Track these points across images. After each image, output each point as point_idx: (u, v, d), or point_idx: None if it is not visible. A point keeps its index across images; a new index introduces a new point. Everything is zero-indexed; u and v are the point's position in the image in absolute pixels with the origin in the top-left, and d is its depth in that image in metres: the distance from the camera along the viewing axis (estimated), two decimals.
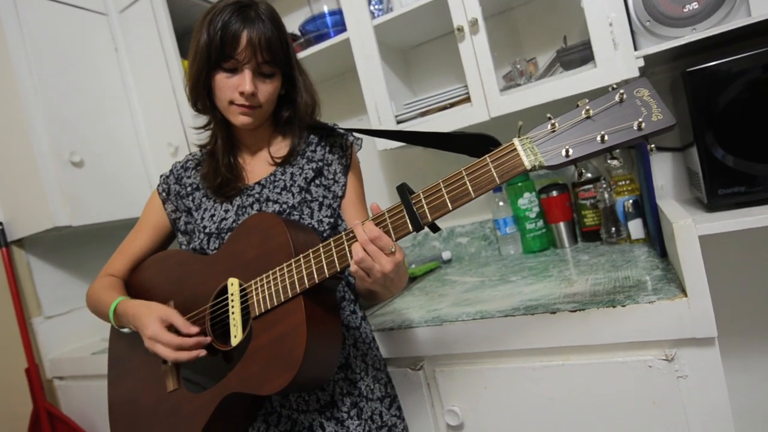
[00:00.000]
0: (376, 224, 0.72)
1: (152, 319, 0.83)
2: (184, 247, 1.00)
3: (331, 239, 0.76)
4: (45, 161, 1.51)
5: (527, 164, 0.62)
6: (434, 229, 0.72)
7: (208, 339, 0.84)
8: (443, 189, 0.67)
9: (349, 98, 1.79)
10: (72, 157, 1.56)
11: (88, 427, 1.62)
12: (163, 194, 1.02)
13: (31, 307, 1.69)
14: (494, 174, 0.64)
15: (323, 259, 0.76)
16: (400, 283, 0.82)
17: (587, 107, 0.60)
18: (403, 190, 0.70)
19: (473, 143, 0.73)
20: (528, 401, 0.92)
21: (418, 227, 0.69)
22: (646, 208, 1.18)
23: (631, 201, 1.26)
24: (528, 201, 1.43)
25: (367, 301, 0.97)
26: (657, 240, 1.06)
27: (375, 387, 0.94)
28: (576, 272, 1.11)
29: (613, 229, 1.29)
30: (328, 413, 0.87)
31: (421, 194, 0.69)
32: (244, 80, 0.86)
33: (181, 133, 1.72)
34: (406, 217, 0.70)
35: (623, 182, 1.30)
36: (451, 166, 1.64)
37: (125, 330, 0.94)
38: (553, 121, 0.62)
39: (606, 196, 1.29)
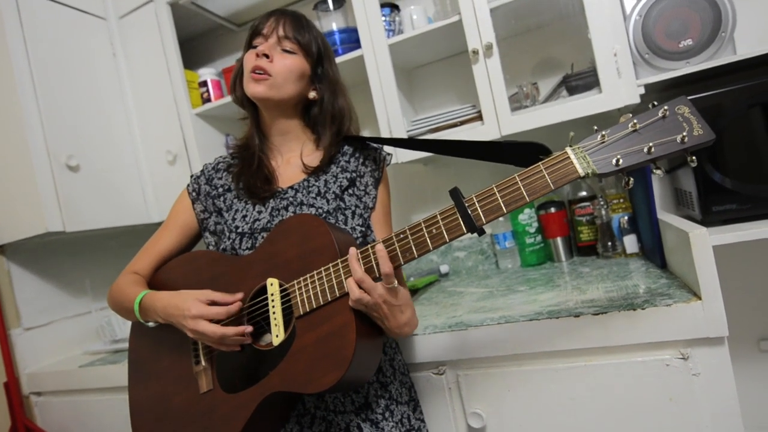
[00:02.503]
0: (427, 226, 0.76)
1: (191, 301, 0.83)
2: (212, 247, 1.00)
3: (381, 239, 0.79)
4: (41, 163, 1.46)
5: (581, 171, 0.67)
6: (481, 232, 0.76)
7: (250, 328, 0.83)
8: (497, 193, 0.72)
9: None
10: (69, 160, 1.51)
11: None
12: (194, 194, 1.02)
13: (9, 318, 1.60)
14: (548, 180, 0.69)
15: (372, 261, 0.78)
16: (397, 319, 0.81)
17: (634, 121, 0.67)
18: (457, 194, 0.74)
19: (522, 152, 0.79)
20: (551, 402, 0.96)
21: (472, 229, 0.73)
22: (643, 223, 1.28)
23: (626, 218, 1.35)
24: (528, 217, 1.51)
25: None
26: (656, 252, 1.15)
27: (402, 391, 0.96)
28: (583, 282, 1.18)
29: (609, 243, 1.38)
30: (363, 415, 0.88)
31: (474, 198, 0.73)
32: (264, 45, 0.93)
33: (180, 140, 1.71)
34: (460, 219, 0.74)
35: (617, 201, 1.40)
36: (450, 181, 1.70)
37: (150, 324, 0.92)
38: (602, 133, 0.68)
39: (603, 212, 1.38)
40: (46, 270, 1.72)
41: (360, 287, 0.75)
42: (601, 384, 0.92)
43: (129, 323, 1.71)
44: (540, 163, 0.70)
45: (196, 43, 1.99)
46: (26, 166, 1.45)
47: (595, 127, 0.70)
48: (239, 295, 0.85)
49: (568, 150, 0.69)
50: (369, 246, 0.79)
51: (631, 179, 0.68)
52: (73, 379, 1.51)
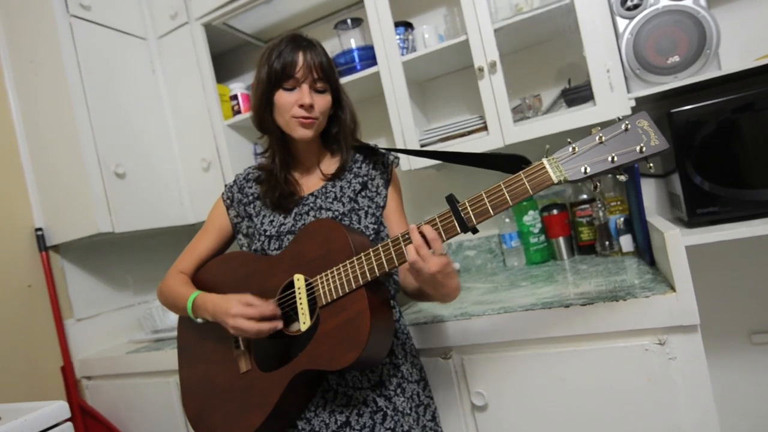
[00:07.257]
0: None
1: (233, 302, 0.97)
2: (245, 248, 1.14)
3: (389, 240, 0.92)
4: (93, 171, 1.64)
5: (554, 179, 0.79)
6: (474, 231, 0.88)
7: (280, 317, 0.98)
8: (485, 198, 0.84)
9: (365, 123, 1.96)
10: (117, 168, 1.69)
11: (117, 423, 1.71)
12: (228, 201, 1.17)
13: (63, 310, 1.79)
14: (527, 186, 0.81)
15: (382, 257, 0.92)
16: (449, 286, 0.92)
17: (600, 134, 0.78)
18: (452, 199, 0.87)
19: (508, 162, 0.91)
20: (544, 382, 1.08)
21: (465, 229, 0.85)
22: (636, 224, 1.39)
23: (622, 219, 1.46)
24: (532, 218, 1.63)
25: (417, 300, 1.11)
26: (646, 251, 1.26)
27: (413, 371, 1.10)
28: (579, 278, 1.29)
29: (607, 242, 1.49)
30: (378, 391, 1.02)
31: (466, 202, 0.86)
32: (304, 94, 1.02)
33: (213, 149, 1.88)
34: (455, 221, 0.86)
35: (615, 203, 1.51)
36: (460, 185, 1.82)
37: (199, 320, 1.07)
38: (573, 145, 0.79)
39: (601, 214, 1.49)
40: (93, 267, 1.92)
41: (417, 253, 0.86)
42: (588, 367, 1.04)
43: (169, 315, 1.90)
44: (521, 172, 0.82)
45: (224, 58, 2.16)
46: (80, 174, 1.64)
47: (569, 140, 0.81)
48: (272, 302, 0.98)
49: (545, 161, 0.81)
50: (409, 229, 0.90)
51: (599, 183, 0.80)
52: (120, 364, 1.69)
